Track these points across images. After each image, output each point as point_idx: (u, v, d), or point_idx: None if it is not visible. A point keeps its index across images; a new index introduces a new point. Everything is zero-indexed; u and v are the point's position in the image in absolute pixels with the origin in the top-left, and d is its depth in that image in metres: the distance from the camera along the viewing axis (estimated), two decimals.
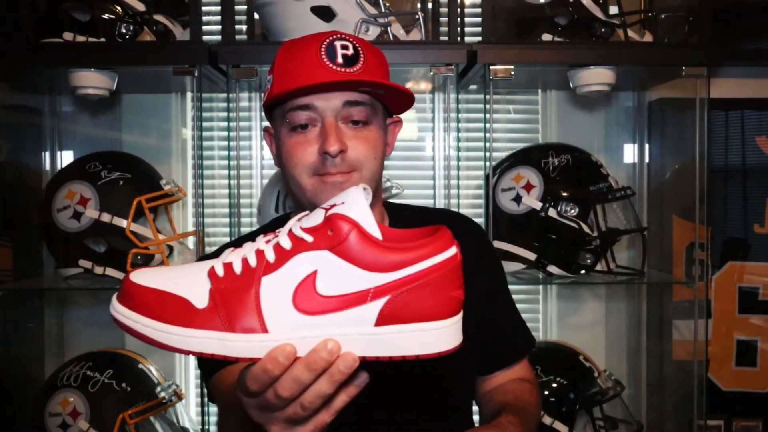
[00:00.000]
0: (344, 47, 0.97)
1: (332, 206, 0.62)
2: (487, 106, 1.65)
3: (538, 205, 1.69)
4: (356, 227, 0.60)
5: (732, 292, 1.96)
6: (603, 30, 1.66)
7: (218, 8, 1.76)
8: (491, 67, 1.59)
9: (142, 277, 0.62)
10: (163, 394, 1.66)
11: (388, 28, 1.59)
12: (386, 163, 2.01)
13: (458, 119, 1.73)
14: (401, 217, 1.16)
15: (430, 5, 1.86)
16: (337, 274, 0.60)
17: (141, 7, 1.62)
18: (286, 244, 0.61)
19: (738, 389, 1.96)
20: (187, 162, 2.00)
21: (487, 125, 1.66)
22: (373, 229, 0.60)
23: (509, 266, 1.75)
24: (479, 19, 1.66)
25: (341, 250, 0.60)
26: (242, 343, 0.59)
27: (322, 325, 0.60)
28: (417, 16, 1.69)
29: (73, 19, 1.61)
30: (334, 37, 0.98)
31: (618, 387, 1.74)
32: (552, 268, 1.72)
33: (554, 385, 1.69)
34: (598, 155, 1.84)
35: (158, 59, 1.57)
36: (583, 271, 1.74)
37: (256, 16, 1.81)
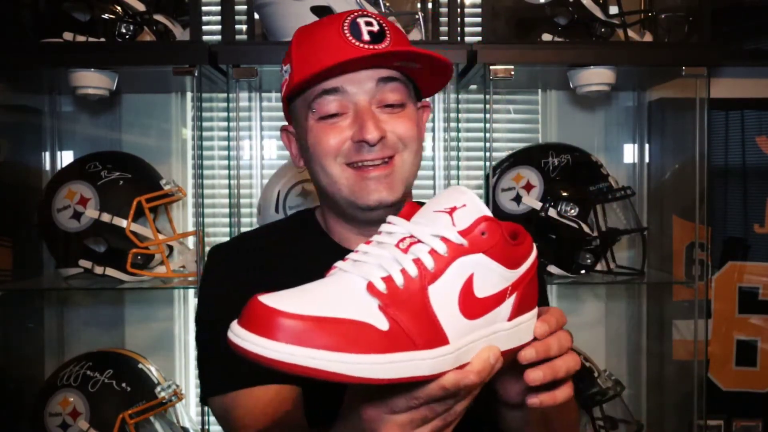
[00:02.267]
0: (368, 23, 0.89)
1: (453, 209, 0.60)
2: (487, 106, 1.65)
3: (538, 205, 1.69)
4: (499, 227, 0.60)
5: (732, 292, 1.96)
6: (603, 30, 1.66)
7: (218, 8, 1.76)
8: (491, 67, 1.59)
9: (287, 304, 0.52)
10: (163, 394, 1.66)
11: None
12: None
13: (458, 119, 1.74)
14: None
15: (430, 5, 1.86)
16: (489, 276, 0.60)
17: (141, 7, 1.62)
18: (442, 249, 0.58)
19: (738, 389, 1.96)
20: (187, 162, 2.00)
21: (487, 125, 1.66)
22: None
23: None
24: (479, 19, 1.66)
25: (493, 252, 0.59)
26: (432, 360, 0.55)
27: (478, 328, 0.59)
28: (417, 16, 1.69)
29: (73, 19, 1.61)
30: (356, 14, 0.90)
31: (618, 387, 1.74)
32: (552, 268, 1.72)
33: None
34: (598, 155, 1.84)
35: (158, 59, 1.57)
36: (583, 271, 1.74)
37: (256, 16, 1.81)
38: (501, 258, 0.60)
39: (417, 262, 0.57)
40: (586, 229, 1.68)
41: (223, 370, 0.92)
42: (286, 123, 1.02)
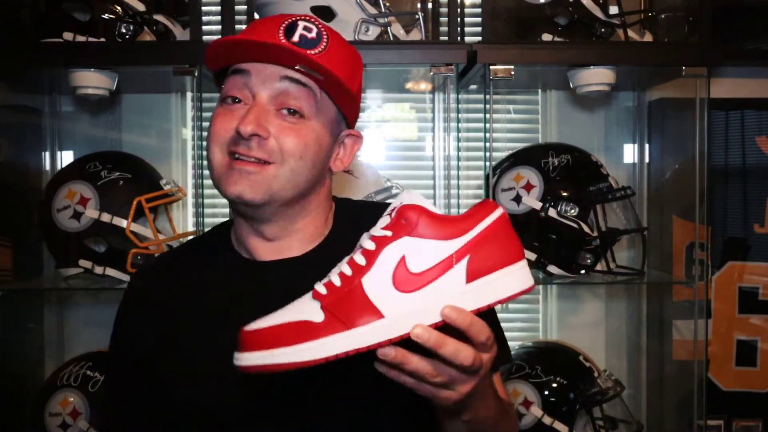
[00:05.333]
0: (307, 29, 0.89)
1: (393, 209, 0.73)
2: (487, 106, 1.65)
3: (538, 205, 1.70)
4: (423, 211, 0.70)
5: (732, 292, 1.96)
6: (603, 30, 1.66)
7: (218, 8, 1.76)
8: (491, 67, 1.59)
9: (255, 325, 0.70)
10: None
11: (388, 28, 1.59)
12: (386, 163, 2.04)
13: (458, 119, 1.73)
14: (350, 217, 1.04)
15: (430, 5, 1.86)
16: (421, 251, 0.70)
17: (141, 7, 1.62)
18: (370, 246, 0.71)
19: (738, 389, 1.96)
20: (187, 162, 2.00)
21: (487, 125, 1.67)
22: (435, 210, 0.71)
23: None
24: (479, 19, 1.66)
25: (418, 232, 0.70)
26: (367, 333, 0.68)
27: (424, 296, 0.69)
28: (417, 16, 1.69)
29: (73, 19, 1.61)
30: (301, 17, 0.91)
31: (618, 387, 1.74)
32: (552, 268, 1.72)
33: (554, 385, 1.70)
34: (598, 155, 1.84)
35: (158, 59, 1.57)
36: (583, 271, 1.74)
37: (256, 16, 1.81)
38: (431, 234, 0.70)
39: (350, 262, 0.71)
40: (586, 229, 1.68)
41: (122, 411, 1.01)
42: None
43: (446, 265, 0.70)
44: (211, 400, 0.91)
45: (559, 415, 1.67)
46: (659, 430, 1.96)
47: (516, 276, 0.72)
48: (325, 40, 0.90)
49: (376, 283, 0.69)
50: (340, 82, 0.88)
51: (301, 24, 0.89)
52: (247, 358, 0.68)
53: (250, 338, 0.69)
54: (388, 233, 0.70)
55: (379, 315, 0.68)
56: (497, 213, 0.73)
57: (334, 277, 0.71)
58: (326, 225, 1.01)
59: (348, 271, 0.71)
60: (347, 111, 0.96)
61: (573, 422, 1.67)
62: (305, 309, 0.70)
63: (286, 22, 0.89)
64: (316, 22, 0.92)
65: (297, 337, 0.67)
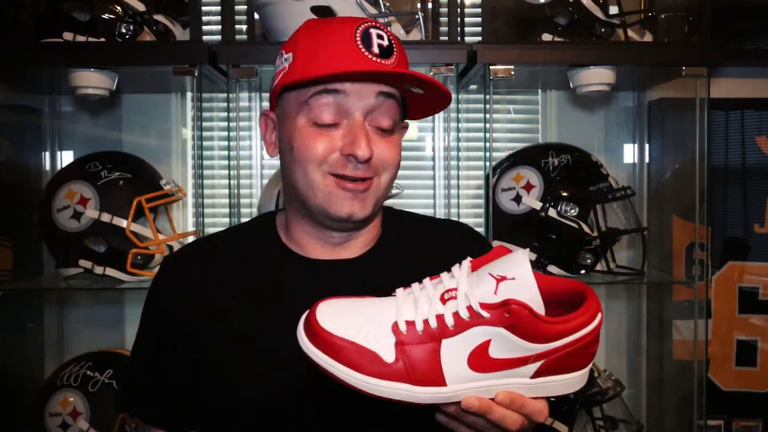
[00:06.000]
0: (379, 36, 0.89)
1: (503, 278, 0.70)
2: (487, 106, 1.65)
3: (538, 205, 1.70)
4: (528, 313, 0.68)
5: (732, 292, 1.96)
6: (603, 30, 1.66)
7: (218, 8, 1.77)
8: (491, 67, 1.59)
9: (330, 320, 0.72)
10: None
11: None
12: None
13: (458, 119, 1.73)
14: (398, 225, 1.06)
15: (430, 5, 1.86)
16: (507, 345, 0.70)
17: (141, 7, 1.62)
18: (465, 315, 0.70)
19: (738, 389, 1.96)
20: (187, 162, 2.00)
21: (487, 125, 1.67)
22: (539, 307, 0.70)
23: None
24: (479, 19, 1.66)
25: (514, 329, 0.69)
26: (428, 395, 0.71)
27: (488, 379, 0.71)
28: (417, 16, 1.69)
29: (73, 19, 1.61)
30: (368, 24, 0.90)
31: (618, 387, 1.74)
32: (552, 268, 1.72)
33: None
34: (598, 155, 1.84)
35: (158, 59, 1.57)
36: (583, 271, 1.74)
37: (256, 16, 1.81)
38: (523, 334, 0.69)
39: (440, 318, 0.70)
40: (586, 229, 1.68)
41: (140, 391, 1.02)
42: (268, 108, 1.01)
43: (522, 361, 0.71)
44: (247, 394, 0.91)
45: (559, 415, 1.66)
46: (659, 430, 1.96)
47: (574, 381, 0.74)
48: (393, 44, 0.91)
49: (454, 353, 0.70)
50: (432, 85, 0.88)
51: (373, 32, 0.89)
52: (313, 352, 0.71)
53: (322, 337, 0.70)
54: (486, 315, 0.69)
55: (443, 383, 0.70)
56: (594, 323, 0.72)
57: (419, 321, 0.71)
58: (378, 229, 1.03)
59: (433, 323, 0.70)
60: (414, 102, 0.96)
61: (573, 422, 1.67)
62: (380, 337, 0.71)
63: (360, 32, 0.89)
64: (378, 24, 0.91)
65: (364, 367, 0.70)
